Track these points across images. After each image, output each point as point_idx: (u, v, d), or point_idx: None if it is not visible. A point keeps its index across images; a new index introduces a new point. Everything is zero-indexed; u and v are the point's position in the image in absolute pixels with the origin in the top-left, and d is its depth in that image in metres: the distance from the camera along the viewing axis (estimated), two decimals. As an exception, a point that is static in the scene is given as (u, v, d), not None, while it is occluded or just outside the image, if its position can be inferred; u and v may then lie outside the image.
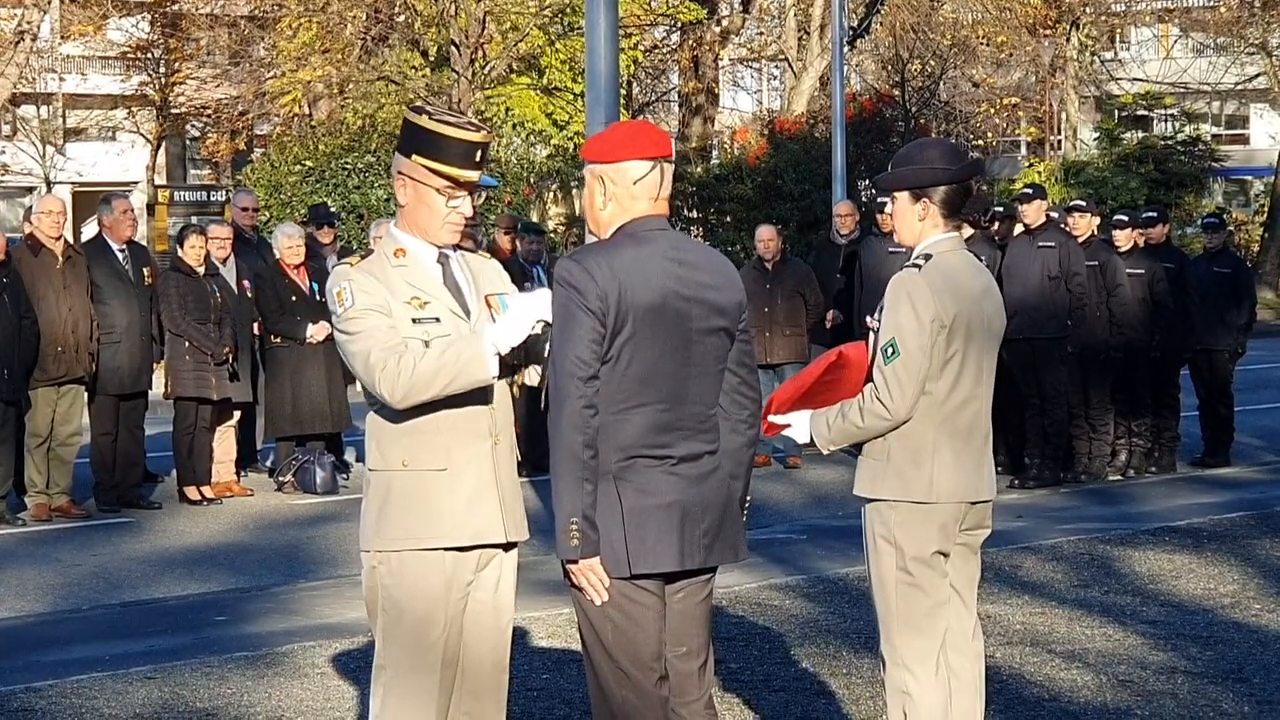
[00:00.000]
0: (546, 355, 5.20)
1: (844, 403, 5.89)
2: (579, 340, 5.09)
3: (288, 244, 14.93)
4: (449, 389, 5.20)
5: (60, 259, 13.65)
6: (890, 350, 5.75)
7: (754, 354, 5.50)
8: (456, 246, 5.49)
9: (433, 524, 5.31)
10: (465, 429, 5.31)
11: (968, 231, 14.61)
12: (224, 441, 14.73)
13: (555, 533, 5.13)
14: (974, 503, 5.93)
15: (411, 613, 5.32)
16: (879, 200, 15.05)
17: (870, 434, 5.85)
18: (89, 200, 33.21)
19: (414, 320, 5.31)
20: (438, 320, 5.33)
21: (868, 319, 6.01)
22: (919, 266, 5.82)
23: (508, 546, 5.46)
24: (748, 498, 5.47)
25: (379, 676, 5.41)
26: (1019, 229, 15.03)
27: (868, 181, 29.40)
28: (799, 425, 5.99)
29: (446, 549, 5.32)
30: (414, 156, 5.35)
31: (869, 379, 5.84)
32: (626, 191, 5.28)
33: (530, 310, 5.22)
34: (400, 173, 5.39)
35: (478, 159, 5.36)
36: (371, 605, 5.41)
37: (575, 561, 5.12)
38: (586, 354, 5.09)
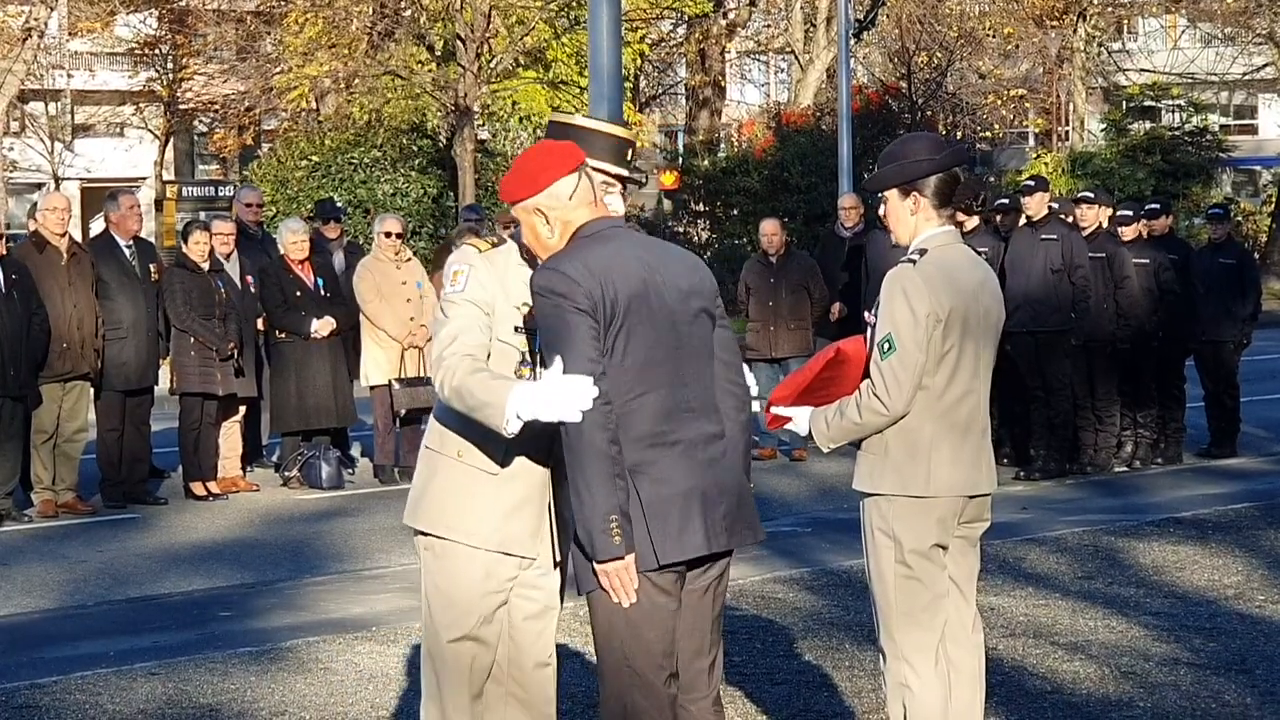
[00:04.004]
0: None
1: (842, 400, 5.90)
2: (581, 341, 5.09)
3: (292, 239, 14.96)
4: (473, 416, 5.18)
5: (65, 255, 13.67)
6: (886, 345, 5.75)
7: (735, 340, 5.53)
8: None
9: (465, 522, 5.38)
10: (528, 442, 5.25)
11: (973, 222, 14.61)
12: (230, 437, 14.75)
13: (586, 534, 5.07)
14: (972, 496, 5.94)
15: (450, 601, 5.40)
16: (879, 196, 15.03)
17: (868, 430, 5.85)
18: (98, 196, 33.24)
19: (516, 329, 5.35)
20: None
21: (866, 314, 6.02)
22: (913, 261, 5.83)
23: None
24: (749, 484, 5.49)
25: (426, 664, 5.51)
26: (1022, 221, 15.02)
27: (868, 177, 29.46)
28: (799, 420, 6.01)
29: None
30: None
31: (866, 374, 5.85)
32: (565, 207, 5.26)
33: (565, 398, 4.97)
34: None
35: (628, 156, 5.49)
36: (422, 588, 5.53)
37: (619, 558, 5.07)
38: (592, 352, 5.09)
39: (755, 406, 5.59)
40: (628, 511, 5.09)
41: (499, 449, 5.32)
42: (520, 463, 5.37)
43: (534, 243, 5.33)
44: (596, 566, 5.10)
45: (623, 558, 5.08)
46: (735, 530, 5.33)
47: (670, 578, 5.23)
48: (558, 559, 5.49)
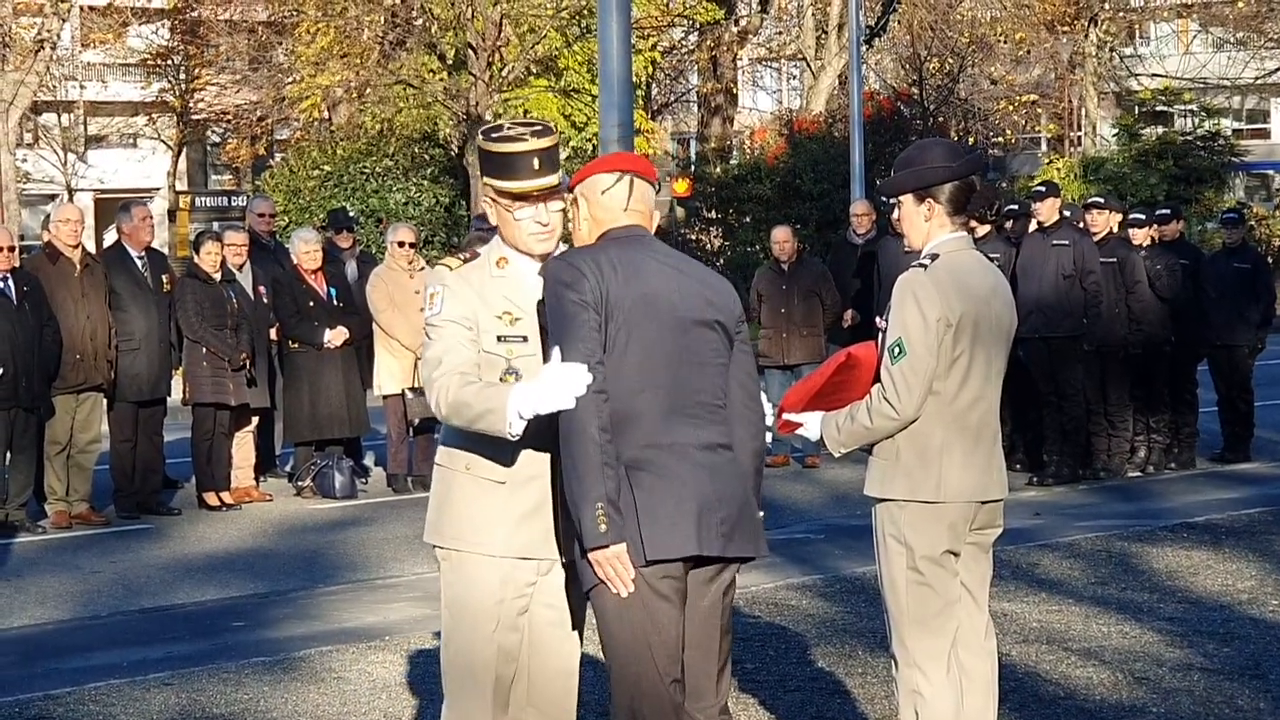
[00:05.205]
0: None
1: (853, 405, 5.90)
2: (580, 330, 5.14)
3: (304, 249, 14.98)
4: (475, 428, 5.25)
5: (78, 267, 13.70)
6: (897, 350, 5.75)
7: (754, 364, 5.54)
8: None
9: (482, 533, 5.40)
10: (535, 443, 5.29)
11: (984, 229, 14.60)
12: (243, 447, 14.76)
13: (577, 523, 5.11)
14: (984, 502, 5.93)
15: (468, 609, 5.41)
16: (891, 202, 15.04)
17: (879, 435, 5.85)
18: (111, 207, 33.29)
19: (499, 338, 5.38)
20: (524, 340, 5.39)
21: (877, 319, 6.02)
22: (925, 266, 5.83)
23: None
24: (760, 512, 5.47)
25: (447, 678, 5.52)
26: (1033, 226, 15.02)
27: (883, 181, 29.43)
28: (811, 424, 6.01)
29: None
30: (485, 179, 5.54)
31: (877, 379, 5.85)
32: (597, 202, 5.41)
33: (562, 385, 5.08)
34: (485, 194, 5.60)
35: (537, 166, 5.42)
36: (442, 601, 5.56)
37: (605, 547, 5.10)
38: (591, 343, 5.14)
39: (769, 421, 5.57)
40: (616, 501, 5.10)
41: (505, 457, 5.35)
42: (529, 469, 5.38)
43: (573, 229, 5.48)
44: (589, 555, 5.13)
45: (609, 546, 5.09)
46: (734, 539, 5.29)
47: (670, 583, 5.22)
48: (568, 558, 5.46)
